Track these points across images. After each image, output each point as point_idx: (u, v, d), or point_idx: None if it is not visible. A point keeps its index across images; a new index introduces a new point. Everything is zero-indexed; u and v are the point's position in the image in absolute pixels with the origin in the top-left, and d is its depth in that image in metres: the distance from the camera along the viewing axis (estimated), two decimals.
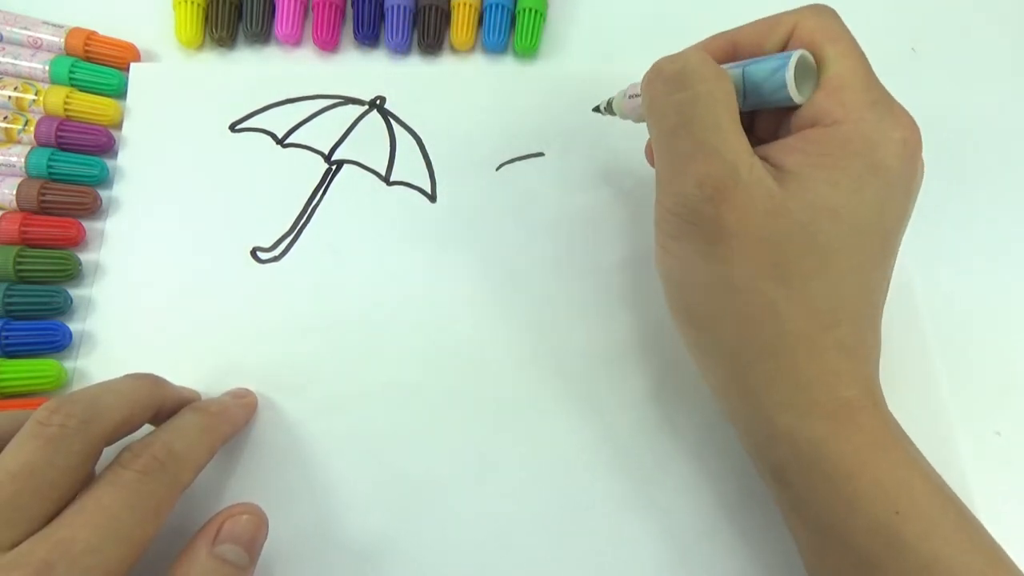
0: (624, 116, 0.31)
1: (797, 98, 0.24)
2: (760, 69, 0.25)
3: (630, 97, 0.30)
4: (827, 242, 0.23)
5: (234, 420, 0.29)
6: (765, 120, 0.27)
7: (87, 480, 0.23)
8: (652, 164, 0.30)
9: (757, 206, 0.23)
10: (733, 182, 0.23)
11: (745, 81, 0.25)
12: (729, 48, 0.27)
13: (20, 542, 0.21)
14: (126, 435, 0.25)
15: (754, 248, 0.23)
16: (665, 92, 0.25)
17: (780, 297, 0.24)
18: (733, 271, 0.24)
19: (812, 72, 0.25)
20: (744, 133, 0.24)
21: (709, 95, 0.24)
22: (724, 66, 0.26)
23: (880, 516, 0.23)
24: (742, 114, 0.24)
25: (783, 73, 0.24)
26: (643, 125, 0.34)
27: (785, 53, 0.24)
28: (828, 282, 0.24)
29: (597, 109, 0.33)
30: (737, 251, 0.23)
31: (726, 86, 0.24)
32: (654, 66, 0.26)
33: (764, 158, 0.24)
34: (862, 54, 0.25)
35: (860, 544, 0.23)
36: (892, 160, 0.24)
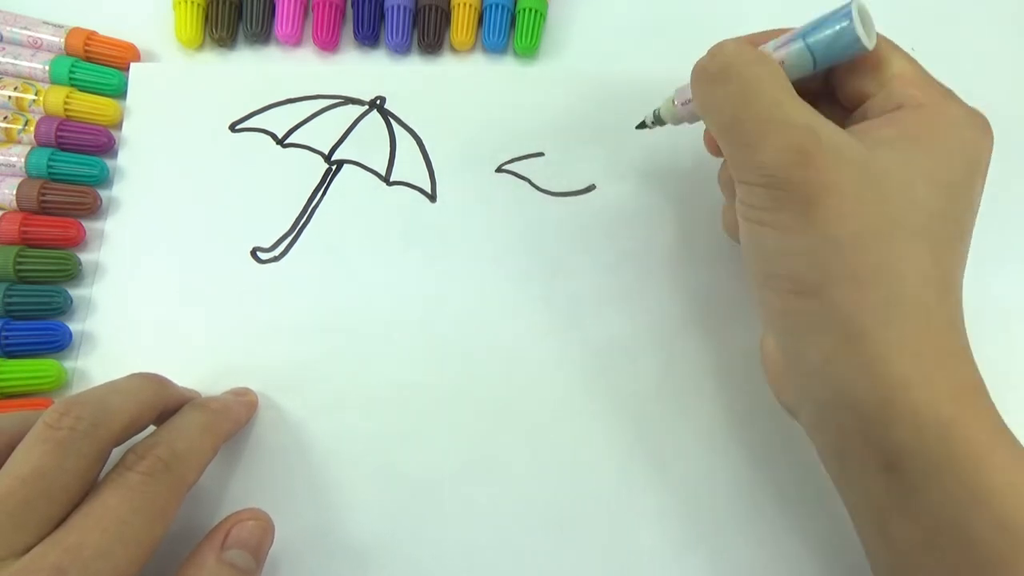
0: (678, 121, 0.31)
1: (868, 43, 0.24)
2: (823, 31, 0.25)
3: (683, 104, 0.29)
4: (927, 204, 0.23)
5: (236, 417, 0.29)
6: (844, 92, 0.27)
7: (95, 482, 0.23)
8: (711, 152, 0.30)
9: (849, 164, 0.22)
10: (816, 141, 0.22)
11: (811, 47, 0.25)
12: (757, 43, 0.27)
13: (32, 546, 0.21)
14: (132, 436, 0.25)
15: (853, 206, 0.22)
16: (714, 88, 0.25)
17: (890, 256, 0.22)
18: (838, 228, 0.22)
19: (870, 20, 0.25)
20: (809, 105, 0.24)
21: (757, 79, 0.24)
22: (774, 43, 0.26)
23: (1009, 511, 0.20)
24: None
25: (850, 25, 0.24)
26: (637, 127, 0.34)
27: (840, 9, 0.25)
28: (933, 247, 0.23)
29: (643, 125, 0.32)
30: (838, 210, 0.22)
31: (772, 68, 0.24)
32: (696, 68, 0.26)
33: (856, 132, 0.24)
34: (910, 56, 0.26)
35: (984, 540, 0.21)
36: (977, 141, 0.24)
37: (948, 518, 0.21)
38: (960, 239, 0.24)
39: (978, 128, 0.25)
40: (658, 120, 0.31)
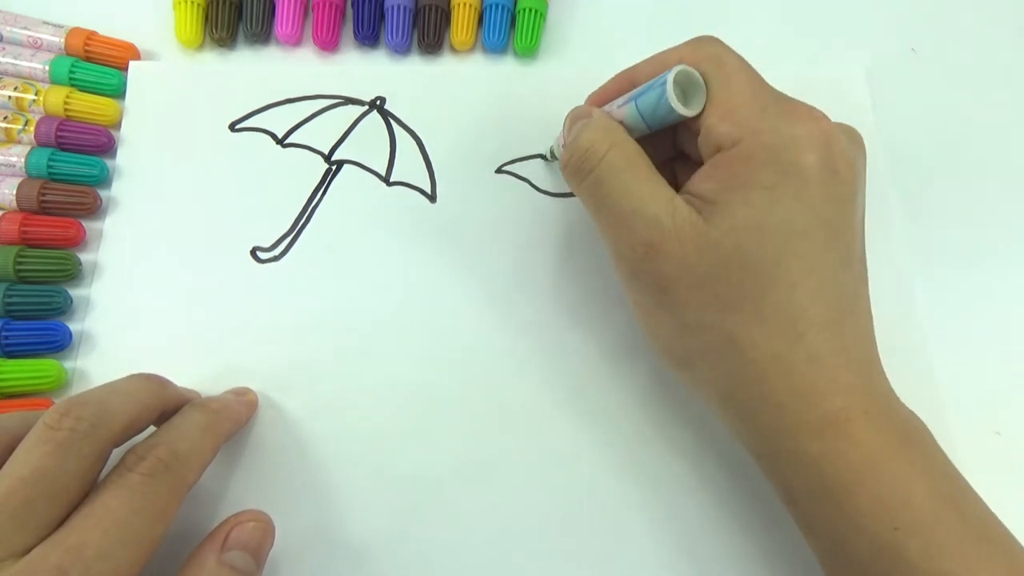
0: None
1: (684, 111, 0.25)
2: (647, 97, 0.26)
3: (562, 147, 0.30)
4: (760, 259, 0.23)
5: (236, 417, 0.29)
6: (692, 149, 0.27)
7: (95, 482, 0.23)
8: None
9: (687, 247, 0.24)
10: (660, 235, 0.24)
11: (640, 111, 0.26)
12: (627, 85, 0.28)
13: (33, 547, 0.21)
14: (133, 436, 0.25)
15: (695, 287, 0.24)
16: (575, 183, 0.27)
17: (734, 326, 0.24)
18: (686, 314, 0.25)
19: (697, 84, 0.25)
20: (661, 180, 0.25)
21: (610, 168, 0.25)
22: (619, 101, 0.27)
23: (881, 533, 0.22)
24: (672, 150, 0.26)
25: (665, 94, 0.25)
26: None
27: (663, 75, 0.25)
28: (777, 298, 0.23)
29: (544, 158, 0.35)
30: (682, 294, 0.24)
31: (624, 149, 0.25)
32: (560, 162, 0.28)
33: (689, 192, 0.25)
34: (748, 68, 0.25)
35: (865, 562, 0.23)
36: (803, 157, 0.24)
37: (835, 543, 0.24)
38: (814, 270, 0.24)
39: (803, 142, 0.24)
40: (554, 157, 0.34)
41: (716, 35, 0.27)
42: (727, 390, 0.25)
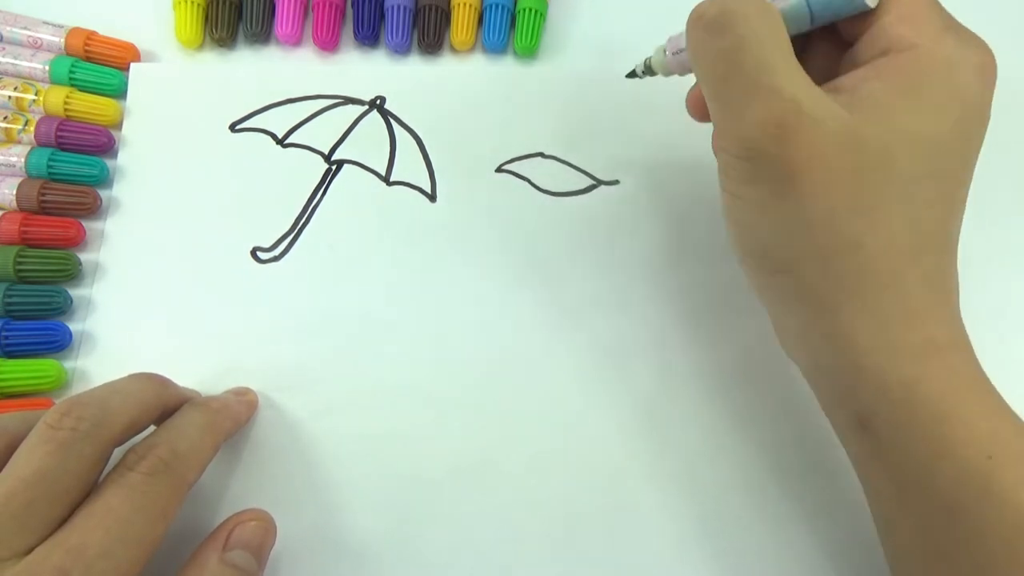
0: (668, 73, 0.29)
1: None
2: None
3: (674, 54, 0.28)
4: (908, 170, 0.22)
5: (236, 416, 0.29)
6: (817, 62, 0.26)
7: (96, 482, 0.23)
8: (694, 115, 0.29)
9: (828, 138, 0.22)
10: (797, 117, 0.22)
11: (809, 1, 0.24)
12: None
13: (34, 547, 0.21)
14: (133, 436, 0.25)
15: (829, 182, 0.22)
16: (708, 38, 0.24)
17: (863, 230, 0.22)
18: (810, 208, 0.22)
19: None
20: (801, 67, 0.23)
21: (754, 35, 0.23)
22: None
23: (972, 461, 0.22)
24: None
25: None
26: (638, 125, 0.34)
27: None
28: (911, 212, 0.23)
29: (633, 74, 0.31)
30: (812, 187, 0.22)
31: (773, 20, 0.23)
32: (694, 11, 0.24)
33: (839, 89, 0.23)
34: None
35: (948, 491, 0.22)
36: (972, 84, 0.23)
37: (914, 472, 0.23)
38: (948, 195, 0.23)
39: (973, 68, 0.23)
40: (648, 70, 0.30)
41: None
42: (828, 300, 0.23)
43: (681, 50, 0.28)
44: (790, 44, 0.23)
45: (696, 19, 0.24)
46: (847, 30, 0.25)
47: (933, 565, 0.23)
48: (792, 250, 0.24)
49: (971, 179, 0.24)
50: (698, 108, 0.29)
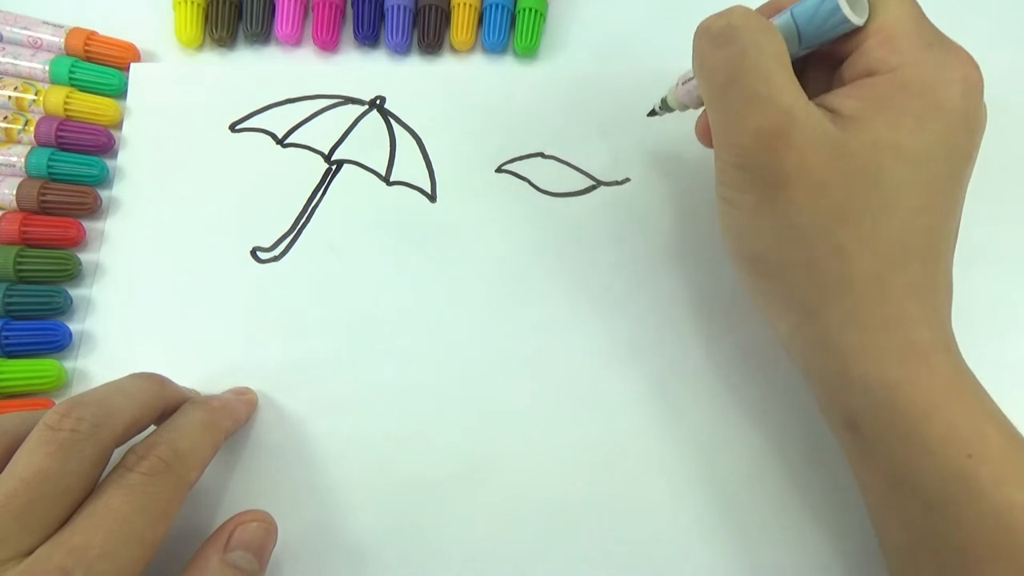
0: (683, 107, 0.30)
1: (853, 17, 0.24)
2: (806, 6, 0.25)
3: (684, 84, 0.29)
4: (892, 180, 0.23)
5: (236, 415, 0.29)
6: (815, 77, 0.27)
7: (97, 482, 0.23)
8: (703, 142, 0.30)
9: (817, 148, 0.23)
10: (790, 127, 0.23)
11: (796, 21, 0.25)
12: (775, 9, 0.27)
13: (36, 547, 0.21)
14: (134, 436, 0.25)
15: (817, 190, 0.23)
16: (713, 49, 0.25)
17: (847, 238, 0.23)
18: (798, 216, 0.24)
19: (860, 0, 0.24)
20: (797, 82, 0.24)
21: (756, 47, 0.24)
22: (772, 18, 0.26)
23: (953, 459, 0.22)
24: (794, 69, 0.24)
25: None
26: (638, 125, 0.34)
27: None
28: (895, 221, 0.23)
29: (653, 113, 0.33)
30: (801, 195, 0.23)
31: (774, 37, 0.24)
32: (701, 25, 0.26)
33: (824, 106, 0.24)
34: None
35: (932, 488, 0.23)
36: (953, 99, 0.24)
37: (899, 471, 0.24)
38: (934, 205, 0.24)
39: (955, 83, 0.24)
40: (665, 106, 0.32)
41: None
42: (814, 305, 0.25)
43: (689, 79, 0.29)
44: (789, 60, 0.24)
45: (703, 31, 0.26)
46: (839, 50, 0.26)
47: (921, 560, 0.24)
48: (781, 256, 0.25)
49: (963, 188, 0.25)
50: (706, 135, 0.30)
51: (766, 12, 0.27)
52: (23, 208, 0.33)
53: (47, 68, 0.35)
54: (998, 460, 0.22)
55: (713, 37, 0.25)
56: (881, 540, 0.26)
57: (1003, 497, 0.22)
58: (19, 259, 0.31)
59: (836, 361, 0.25)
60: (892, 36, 0.24)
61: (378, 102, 0.36)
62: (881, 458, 0.24)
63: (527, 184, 0.35)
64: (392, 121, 0.36)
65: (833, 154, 0.23)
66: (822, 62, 0.26)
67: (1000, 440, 0.23)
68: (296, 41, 0.37)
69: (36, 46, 0.36)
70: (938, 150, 0.24)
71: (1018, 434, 0.24)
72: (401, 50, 0.37)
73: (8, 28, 0.36)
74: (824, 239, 0.24)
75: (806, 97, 0.24)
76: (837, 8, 0.24)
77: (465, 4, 0.36)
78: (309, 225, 0.34)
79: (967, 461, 0.22)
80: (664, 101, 0.31)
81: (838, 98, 0.24)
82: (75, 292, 0.32)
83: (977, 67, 0.24)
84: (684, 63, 0.27)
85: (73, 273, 0.32)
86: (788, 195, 0.24)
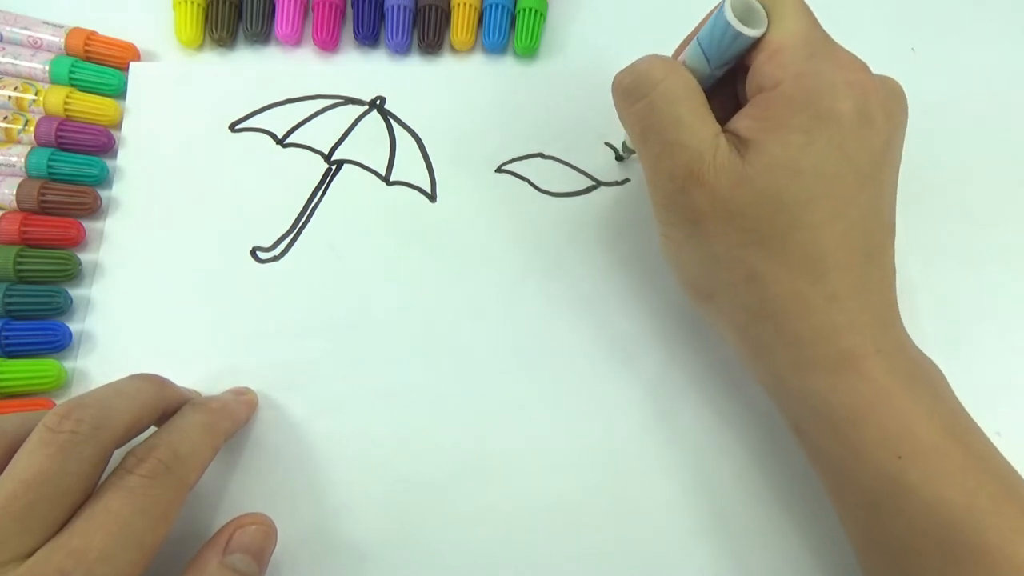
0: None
1: (745, 30, 0.24)
2: (706, 28, 0.25)
3: None
4: (792, 198, 0.24)
5: (235, 416, 0.29)
6: (741, 92, 0.27)
7: (96, 484, 0.23)
8: None
9: (723, 182, 0.24)
10: (700, 168, 0.24)
11: (701, 45, 0.26)
12: (692, 37, 0.27)
13: (36, 549, 0.21)
14: (134, 438, 0.25)
15: (728, 221, 0.25)
16: (626, 106, 0.27)
17: (760, 261, 0.25)
18: (717, 246, 0.25)
19: (757, 12, 0.25)
20: (710, 115, 0.25)
21: (663, 96, 0.25)
22: (686, 48, 0.26)
23: (884, 461, 0.24)
24: (720, 93, 0.25)
25: (722, 15, 0.24)
26: None
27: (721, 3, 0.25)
28: (803, 237, 0.24)
29: (619, 157, 0.34)
30: (715, 227, 0.25)
31: (680, 78, 0.25)
32: (614, 81, 0.27)
33: (729, 131, 0.25)
34: (805, 11, 0.25)
35: (868, 489, 0.24)
36: (840, 104, 0.24)
37: (840, 473, 0.25)
38: (841, 213, 0.24)
39: (842, 89, 0.24)
40: (627, 149, 0.33)
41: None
42: (746, 323, 0.26)
43: None
44: (700, 95, 0.25)
45: (616, 87, 0.27)
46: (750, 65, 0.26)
47: (870, 555, 0.26)
48: (709, 282, 0.27)
49: (882, 185, 0.25)
50: None
51: (687, 42, 0.28)
52: (23, 208, 0.33)
53: (47, 68, 0.35)
54: (927, 459, 0.23)
55: (624, 93, 0.27)
56: (846, 535, 0.27)
57: (932, 493, 0.23)
58: (19, 259, 0.31)
59: (774, 374, 0.26)
60: (778, 50, 0.24)
61: (378, 102, 0.36)
62: (824, 462, 0.26)
63: (527, 184, 0.35)
64: (392, 121, 0.36)
65: (737, 184, 0.24)
66: (745, 75, 0.26)
67: (932, 437, 0.24)
68: (296, 41, 0.37)
69: (36, 46, 0.36)
70: (834, 158, 0.24)
71: (953, 426, 0.24)
72: (401, 50, 0.37)
73: (8, 28, 0.36)
74: (740, 265, 0.25)
75: (717, 128, 0.25)
76: (727, 24, 0.24)
77: (465, 4, 0.36)
78: (309, 225, 0.34)
79: (898, 463, 0.23)
80: (624, 144, 0.33)
81: (740, 119, 0.25)
82: (75, 292, 0.32)
83: (865, 69, 0.25)
84: None
85: (73, 273, 0.32)
86: (705, 228, 0.25)
